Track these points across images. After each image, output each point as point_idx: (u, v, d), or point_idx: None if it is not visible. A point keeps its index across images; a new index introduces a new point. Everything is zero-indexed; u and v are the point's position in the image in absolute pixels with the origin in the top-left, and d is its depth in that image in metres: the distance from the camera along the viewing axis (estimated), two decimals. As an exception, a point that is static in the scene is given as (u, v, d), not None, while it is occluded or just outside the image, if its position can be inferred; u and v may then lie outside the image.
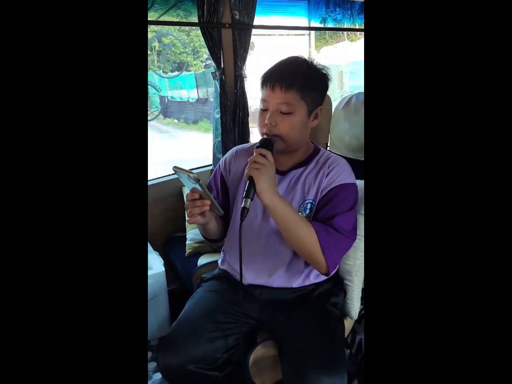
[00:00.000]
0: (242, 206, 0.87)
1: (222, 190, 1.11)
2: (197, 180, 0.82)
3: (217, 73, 1.75)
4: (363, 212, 1.03)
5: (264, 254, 1.02)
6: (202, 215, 0.92)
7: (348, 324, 1.16)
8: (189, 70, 6.95)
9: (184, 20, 2.14)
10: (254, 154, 0.90)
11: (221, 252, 1.18)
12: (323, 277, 1.04)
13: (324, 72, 0.98)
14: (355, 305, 1.14)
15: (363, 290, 1.14)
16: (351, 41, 6.33)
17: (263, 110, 0.95)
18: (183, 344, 0.94)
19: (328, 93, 1.04)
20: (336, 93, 5.99)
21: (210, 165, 1.96)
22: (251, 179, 0.88)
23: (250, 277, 1.05)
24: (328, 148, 1.58)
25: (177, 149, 6.00)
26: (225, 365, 0.98)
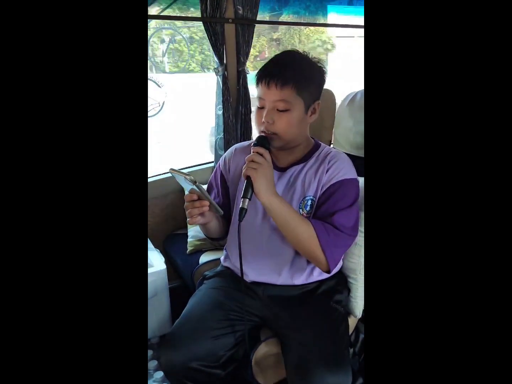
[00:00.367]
0: (240, 207, 0.87)
1: (222, 188, 1.10)
2: (194, 182, 0.81)
3: (220, 69, 1.73)
4: (365, 208, 1.02)
5: (266, 252, 1.02)
6: (202, 215, 0.92)
7: (352, 322, 1.15)
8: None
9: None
10: (252, 152, 0.89)
11: (224, 250, 1.17)
12: (327, 275, 1.03)
13: (320, 65, 0.97)
14: (359, 304, 1.13)
15: (367, 288, 1.13)
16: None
17: (260, 108, 0.94)
18: (186, 341, 0.93)
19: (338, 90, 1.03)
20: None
21: (212, 162, 1.95)
22: (248, 179, 0.87)
23: (253, 275, 1.04)
24: (331, 146, 1.57)
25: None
26: (228, 363, 0.97)
